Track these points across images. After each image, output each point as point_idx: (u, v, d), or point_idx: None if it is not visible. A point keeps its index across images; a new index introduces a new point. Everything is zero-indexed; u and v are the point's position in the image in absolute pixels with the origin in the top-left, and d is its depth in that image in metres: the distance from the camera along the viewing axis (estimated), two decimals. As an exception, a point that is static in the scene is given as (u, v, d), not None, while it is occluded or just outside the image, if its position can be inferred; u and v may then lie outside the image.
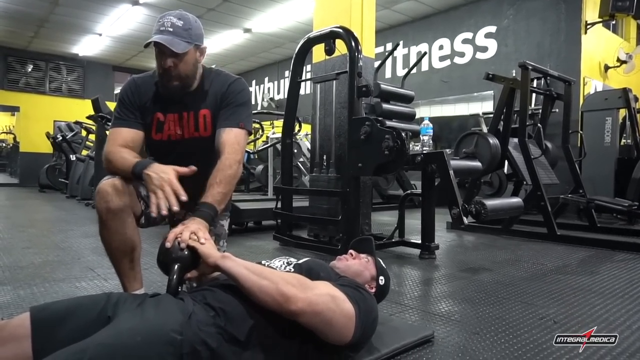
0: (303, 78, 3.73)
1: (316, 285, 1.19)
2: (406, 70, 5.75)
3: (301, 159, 6.51)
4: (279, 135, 4.45)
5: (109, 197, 1.41)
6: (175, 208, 1.29)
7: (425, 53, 7.37)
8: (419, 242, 3.22)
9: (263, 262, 1.39)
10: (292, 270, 1.34)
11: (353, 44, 3.02)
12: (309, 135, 5.46)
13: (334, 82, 3.51)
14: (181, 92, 1.59)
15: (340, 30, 3.14)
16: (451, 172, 2.81)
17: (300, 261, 1.43)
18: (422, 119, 3.31)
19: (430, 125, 3.09)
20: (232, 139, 1.56)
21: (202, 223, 1.32)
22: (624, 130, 5.66)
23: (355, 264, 1.51)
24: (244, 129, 1.60)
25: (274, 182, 5.77)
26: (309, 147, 4.94)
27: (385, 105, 3.38)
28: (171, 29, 1.50)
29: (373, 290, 1.48)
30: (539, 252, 3.37)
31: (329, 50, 3.30)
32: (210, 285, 1.22)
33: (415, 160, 2.91)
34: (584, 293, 2.24)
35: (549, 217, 3.81)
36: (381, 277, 1.52)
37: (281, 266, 1.36)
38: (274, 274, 1.16)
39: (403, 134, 2.68)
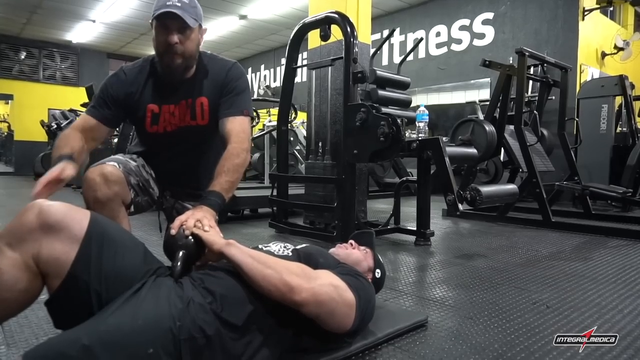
0: (299, 65, 3.70)
1: (319, 275, 1.20)
2: (402, 57, 5.71)
3: (297, 147, 6.49)
4: (275, 122, 4.43)
5: (96, 186, 1.37)
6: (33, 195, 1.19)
7: (421, 39, 7.30)
8: (415, 229, 3.23)
9: (260, 245, 1.39)
10: (290, 254, 1.35)
11: (349, 29, 2.99)
12: (305, 123, 5.44)
13: (330, 68, 3.48)
14: (182, 74, 1.53)
15: (336, 16, 3.11)
16: (447, 158, 2.81)
17: (299, 247, 1.44)
18: (418, 107, 3.30)
19: (426, 112, 3.08)
20: (237, 127, 1.53)
21: (208, 211, 1.30)
22: (619, 118, 5.66)
23: (355, 252, 1.53)
24: (247, 115, 1.58)
25: (270, 169, 5.77)
26: (305, 135, 4.92)
27: (381, 92, 3.36)
28: (179, 4, 1.45)
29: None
30: (533, 239, 3.39)
31: (324, 36, 3.27)
32: (214, 267, 1.22)
33: (411, 146, 2.91)
34: (577, 279, 2.26)
35: (544, 204, 3.83)
36: (378, 270, 1.54)
37: (279, 250, 1.36)
38: (278, 264, 1.16)
39: (399, 121, 2.67)
